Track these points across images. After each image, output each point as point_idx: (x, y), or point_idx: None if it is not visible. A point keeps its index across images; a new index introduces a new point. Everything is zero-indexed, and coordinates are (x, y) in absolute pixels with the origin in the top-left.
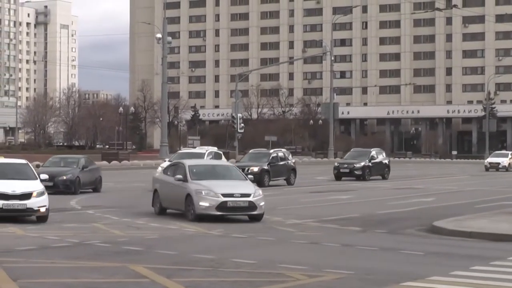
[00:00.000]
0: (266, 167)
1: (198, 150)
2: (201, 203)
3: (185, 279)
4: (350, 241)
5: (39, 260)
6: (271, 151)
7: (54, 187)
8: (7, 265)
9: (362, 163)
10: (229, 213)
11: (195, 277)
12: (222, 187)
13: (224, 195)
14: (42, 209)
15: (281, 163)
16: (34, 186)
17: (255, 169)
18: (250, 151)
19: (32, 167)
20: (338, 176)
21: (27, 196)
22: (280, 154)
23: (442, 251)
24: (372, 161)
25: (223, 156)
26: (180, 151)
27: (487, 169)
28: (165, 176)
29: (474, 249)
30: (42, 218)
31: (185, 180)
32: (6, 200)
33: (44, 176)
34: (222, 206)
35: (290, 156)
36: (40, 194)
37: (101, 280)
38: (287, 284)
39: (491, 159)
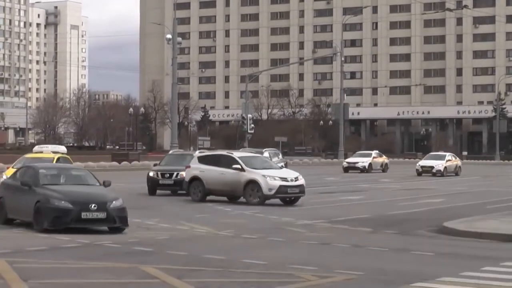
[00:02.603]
0: None
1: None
2: None
3: (195, 279)
4: (361, 242)
5: (50, 260)
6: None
7: (108, 221)
8: (18, 265)
9: None
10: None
11: (206, 277)
12: None
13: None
14: None
15: None
16: None
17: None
18: (170, 152)
19: None
20: None
21: None
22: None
23: (452, 252)
24: None
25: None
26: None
27: (419, 173)
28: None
29: (484, 250)
30: None
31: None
32: None
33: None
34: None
35: None
36: None
37: (111, 281)
38: (298, 284)
39: (423, 162)
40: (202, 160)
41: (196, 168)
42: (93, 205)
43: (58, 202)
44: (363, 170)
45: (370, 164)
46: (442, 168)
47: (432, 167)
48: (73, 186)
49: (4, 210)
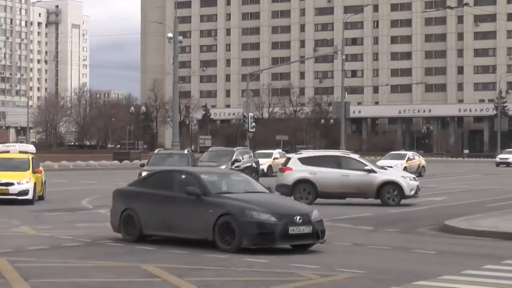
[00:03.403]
0: None
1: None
2: None
3: (197, 278)
4: (362, 240)
5: (51, 259)
6: (185, 151)
7: (313, 237)
8: (19, 264)
9: (223, 167)
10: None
11: (207, 276)
12: None
13: None
14: None
15: None
16: None
17: None
18: (156, 151)
19: None
20: None
21: None
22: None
23: (454, 250)
24: (237, 164)
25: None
26: None
27: None
28: None
29: (486, 248)
30: None
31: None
32: None
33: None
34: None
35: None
36: None
37: (113, 280)
38: (300, 283)
39: (382, 162)
40: (306, 161)
41: (302, 170)
42: (298, 217)
43: (258, 215)
44: None
45: None
46: (401, 169)
47: (390, 168)
48: (252, 195)
49: (137, 225)
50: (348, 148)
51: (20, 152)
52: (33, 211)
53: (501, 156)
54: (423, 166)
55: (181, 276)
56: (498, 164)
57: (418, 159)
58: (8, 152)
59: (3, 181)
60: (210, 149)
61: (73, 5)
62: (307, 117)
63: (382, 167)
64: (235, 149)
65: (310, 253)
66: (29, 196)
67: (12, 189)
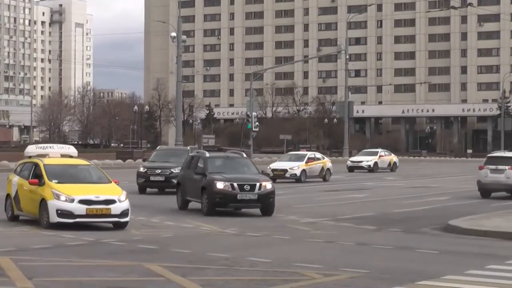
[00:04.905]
0: None
1: None
2: None
3: (200, 277)
4: (365, 240)
5: (55, 258)
6: (188, 147)
7: None
8: (23, 263)
9: (177, 169)
10: None
11: (210, 275)
12: None
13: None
14: None
15: None
16: None
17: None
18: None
19: None
20: (143, 188)
21: None
22: None
23: (457, 250)
24: None
25: None
26: None
27: (274, 179)
28: None
29: (489, 248)
30: None
31: None
32: None
33: None
34: None
35: None
36: None
37: (116, 279)
38: (303, 282)
39: (276, 164)
40: None
41: None
42: None
43: None
44: None
45: None
46: (298, 172)
47: (286, 171)
48: None
49: None
50: (351, 147)
51: (62, 156)
52: None
53: (353, 159)
54: (328, 169)
55: (185, 275)
56: (351, 169)
57: (322, 161)
58: (46, 155)
59: (102, 197)
60: (158, 147)
61: (77, 4)
62: (310, 117)
63: None
64: (188, 147)
65: (313, 253)
66: (129, 217)
67: (115, 209)
